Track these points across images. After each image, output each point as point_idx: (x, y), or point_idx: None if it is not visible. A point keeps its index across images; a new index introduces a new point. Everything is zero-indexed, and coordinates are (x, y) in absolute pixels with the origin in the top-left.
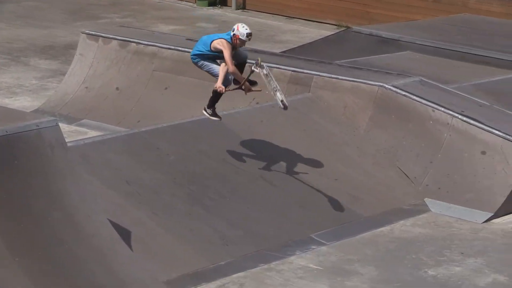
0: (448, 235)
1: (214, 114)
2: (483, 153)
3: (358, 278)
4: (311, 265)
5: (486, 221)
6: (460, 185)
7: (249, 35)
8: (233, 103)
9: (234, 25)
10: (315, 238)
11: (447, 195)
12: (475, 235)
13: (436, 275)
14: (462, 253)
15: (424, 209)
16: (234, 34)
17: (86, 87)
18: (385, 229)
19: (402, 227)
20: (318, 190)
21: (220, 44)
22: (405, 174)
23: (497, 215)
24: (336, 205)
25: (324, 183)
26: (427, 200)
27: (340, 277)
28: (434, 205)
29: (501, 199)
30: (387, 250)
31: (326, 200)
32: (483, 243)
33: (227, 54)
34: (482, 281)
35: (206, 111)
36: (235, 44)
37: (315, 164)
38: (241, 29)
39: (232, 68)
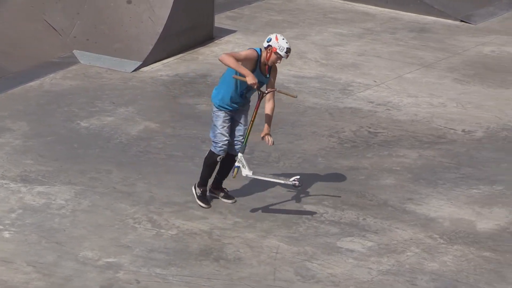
0: (99, 86)
1: (202, 197)
2: (129, 2)
3: (11, 134)
4: None
5: (135, 70)
6: (108, 35)
7: (288, 50)
8: None
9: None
10: None
11: (95, 46)
12: (125, 84)
13: (89, 126)
14: (114, 102)
15: (74, 61)
16: (269, 46)
17: None
18: (34, 83)
19: (52, 81)
20: None
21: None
22: (52, 26)
23: (145, 63)
24: None
25: None
26: (76, 52)
27: None
28: (83, 56)
29: (148, 48)
30: (38, 104)
31: None
32: (134, 92)
33: (239, 54)
34: (134, 129)
35: (194, 189)
36: (268, 58)
37: None
38: (281, 42)
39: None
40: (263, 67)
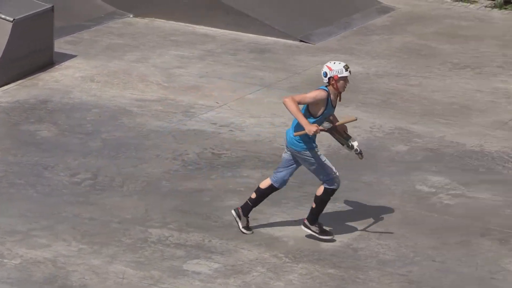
0: None
1: (323, 231)
2: None
3: None
4: None
5: None
6: None
7: (346, 67)
8: None
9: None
10: None
11: None
12: None
13: None
14: None
15: None
16: (330, 78)
17: None
18: None
19: None
20: None
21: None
22: None
23: None
24: None
25: None
26: None
27: None
28: None
29: None
30: None
31: None
32: None
33: (305, 96)
34: None
35: (309, 228)
36: (337, 88)
37: None
38: (334, 66)
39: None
40: (335, 98)
